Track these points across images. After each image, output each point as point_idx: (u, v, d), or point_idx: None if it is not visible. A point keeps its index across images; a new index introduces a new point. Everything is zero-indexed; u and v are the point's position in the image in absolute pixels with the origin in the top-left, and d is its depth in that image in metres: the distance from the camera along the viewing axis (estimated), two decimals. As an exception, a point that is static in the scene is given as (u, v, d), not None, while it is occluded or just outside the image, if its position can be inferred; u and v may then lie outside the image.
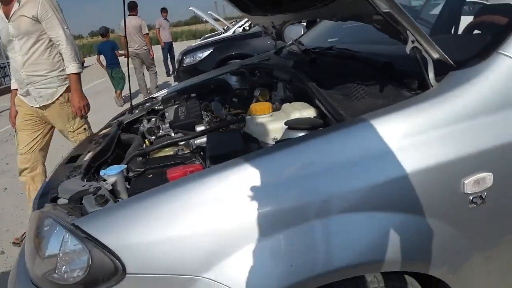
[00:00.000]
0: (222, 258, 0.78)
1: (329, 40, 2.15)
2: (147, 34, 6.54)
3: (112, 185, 1.11)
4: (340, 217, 0.81)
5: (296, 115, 1.14)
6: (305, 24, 2.63)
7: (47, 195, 1.19)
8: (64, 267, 0.84)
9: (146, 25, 6.60)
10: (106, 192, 0.99)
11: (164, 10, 9.19)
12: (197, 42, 8.85)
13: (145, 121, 1.90)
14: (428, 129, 0.88)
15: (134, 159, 1.25)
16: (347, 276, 0.83)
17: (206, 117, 1.56)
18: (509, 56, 0.93)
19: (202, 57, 5.74)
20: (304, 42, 2.04)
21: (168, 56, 9.32)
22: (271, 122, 1.15)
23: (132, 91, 7.40)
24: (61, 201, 1.11)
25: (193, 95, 1.98)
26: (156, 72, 6.93)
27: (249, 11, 2.11)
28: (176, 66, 6.42)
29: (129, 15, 6.42)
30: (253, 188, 0.80)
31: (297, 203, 0.81)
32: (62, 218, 0.92)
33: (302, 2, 1.33)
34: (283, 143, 0.94)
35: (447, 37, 1.63)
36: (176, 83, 6.45)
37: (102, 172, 1.15)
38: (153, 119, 1.90)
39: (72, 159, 1.49)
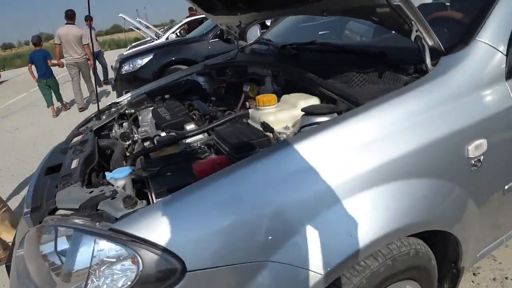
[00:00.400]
0: (287, 239, 0.79)
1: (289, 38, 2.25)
2: (88, 44, 6.39)
3: (122, 188, 1.07)
4: (385, 186, 0.89)
5: (301, 104, 1.20)
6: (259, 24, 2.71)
7: (38, 208, 1.10)
8: (102, 278, 0.78)
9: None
10: (120, 191, 0.95)
11: (88, 18, 8.59)
12: (128, 50, 8.49)
13: (116, 126, 1.83)
14: (434, 106, 1.01)
15: (136, 159, 1.21)
16: (401, 236, 0.91)
17: (193, 115, 1.55)
18: (485, 42, 1.10)
19: (142, 64, 5.56)
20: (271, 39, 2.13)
21: (98, 66, 8.77)
22: (279, 112, 1.20)
23: (67, 100, 7.09)
24: (62, 212, 1.04)
25: (167, 96, 1.95)
26: (93, 81, 6.61)
27: (214, 11, 2.14)
28: (113, 74, 6.13)
29: (66, 24, 6.33)
30: (312, 164, 0.84)
31: (355, 174, 0.87)
32: (88, 226, 0.86)
33: None
34: (322, 125, 0.99)
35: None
36: (115, 91, 6.27)
37: (108, 176, 1.10)
38: (124, 124, 1.84)
39: (50, 169, 1.39)
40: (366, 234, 0.85)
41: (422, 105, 1.02)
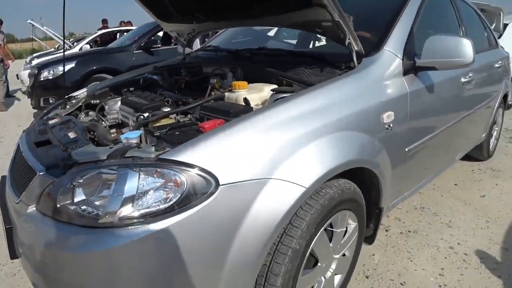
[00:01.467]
0: (283, 162, 1.14)
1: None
2: (5, 45, 6.98)
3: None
4: (335, 134, 1.32)
5: (266, 88, 1.59)
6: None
7: (57, 166, 1.25)
8: (150, 199, 1.01)
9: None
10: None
11: None
12: (30, 60, 8.00)
13: (82, 115, 2.00)
14: (359, 88, 1.49)
15: (139, 127, 1.45)
16: (341, 170, 1.31)
17: (166, 102, 1.81)
18: (389, 50, 1.64)
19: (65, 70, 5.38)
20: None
21: None
22: (250, 94, 1.56)
23: None
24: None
25: (131, 89, 2.16)
26: (4, 82, 6.97)
27: (168, 19, 2.42)
28: (29, 81, 5.77)
29: None
30: (297, 116, 1.26)
31: (314, 126, 1.28)
32: (134, 161, 1.09)
33: (254, 11, 1.78)
34: (291, 95, 1.37)
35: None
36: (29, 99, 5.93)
37: (122, 137, 1.33)
38: (90, 113, 2.01)
39: (41, 143, 1.52)
40: (328, 162, 1.25)
41: (351, 87, 1.48)
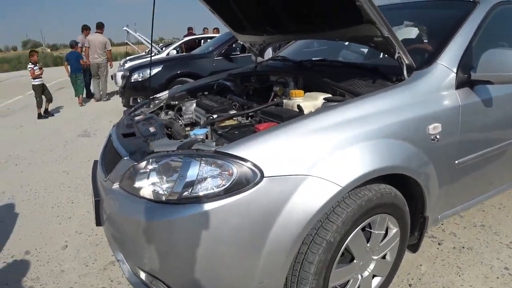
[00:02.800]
0: (323, 162, 1.31)
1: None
2: (110, 50, 8.51)
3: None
4: (377, 140, 1.44)
5: (320, 97, 1.75)
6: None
7: (134, 153, 1.58)
8: (207, 185, 1.24)
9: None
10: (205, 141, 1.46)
11: (85, 28, 8.79)
12: (123, 63, 9.01)
13: (162, 114, 2.36)
14: (405, 98, 1.58)
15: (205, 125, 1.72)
16: (380, 174, 1.42)
17: (234, 106, 2.07)
18: (441, 64, 1.70)
19: (152, 74, 6.04)
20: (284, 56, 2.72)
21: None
22: (305, 101, 1.74)
23: (62, 103, 7.76)
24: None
25: (206, 93, 2.48)
26: (106, 81, 8.58)
27: (242, 31, 2.71)
28: (122, 82, 6.58)
29: (95, 32, 8.41)
30: (341, 122, 1.41)
31: (357, 132, 1.42)
32: (197, 152, 1.34)
33: (315, 26, 1.96)
34: (342, 102, 1.53)
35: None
36: (121, 98, 6.79)
37: (191, 133, 1.61)
38: (170, 112, 2.36)
39: (128, 135, 1.88)
40: (367, 165, 1.38)
41: (398, 97, 1.58)
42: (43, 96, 7.16)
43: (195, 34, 11.18)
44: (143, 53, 11.32)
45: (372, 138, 1.44)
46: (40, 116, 7.02)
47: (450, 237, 2.39)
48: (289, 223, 1.27)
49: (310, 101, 1.73)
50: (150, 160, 1.42)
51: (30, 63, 7.03)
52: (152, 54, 9.29)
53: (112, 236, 1.54)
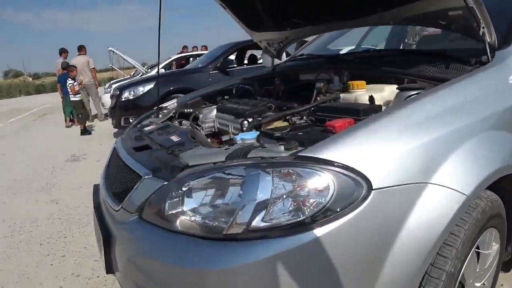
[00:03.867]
0: (435, 165, 0.96)
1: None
2: (94, 68, 8.24)
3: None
4: (482, 135, 1.11)
5: (387, 88, 1.43)
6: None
7: (159, 170, 1.18)
8: (288, 206, 0.85)
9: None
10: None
11: (63, 51, 8.52)
12: (109, 85, 8.75)
13: (176, 123, 1.97)
14: (500, 83, 1.28)
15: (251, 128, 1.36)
16: (498, 177, 1.09)
17: (269, 108, 1.72)
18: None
19: (144, 91, 5.67)
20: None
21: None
22: (369, 94, 1.41)
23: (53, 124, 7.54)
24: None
25: (226, 97, 2.12)
26: (100, 99, 8.29)
27: (259, 28, 2.39)
28: (111, 102, 6.18)
29: (78, 55, 8.21)
30: (436, 114, 1.06)
31: (458, 125, 1.08)
32: (266, 161, 0.94)
33: (356, 11, 1.65)
34: (428, 92, 1.19)
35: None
36: (110, 119, 6.40)
37: (237, 138, 1.23)
38: (184, 121, 1.98)
39: (137, 149, 1.48)
40: (485, 166, 1.05)
41: (490, 82, 1.27)
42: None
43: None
44: (129, 76, 10.93)
45: (476, 133, 1.11)
46: (83, 132, 6.92)
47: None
48: (408, 250, 0.92)
49: (376, 93, 1.40)
50: (186, 177, 1.03)
51: (69, 79, 6.97)
52: (140, 74, 9.07)
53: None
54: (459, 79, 1.24)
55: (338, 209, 0.85)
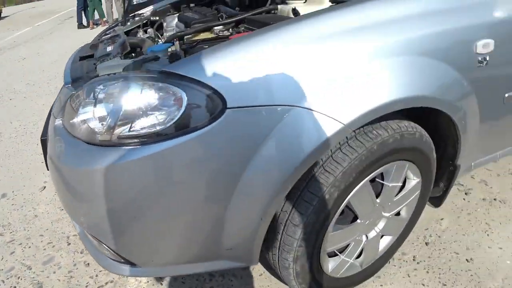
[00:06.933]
0: (314, 89, 0.91)
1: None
2: None
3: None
4: (391, 59, 1.00)
5: (326, 1, 1.29)
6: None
7: (79, 80, 1.21)
8: (149, 117, 0.88)
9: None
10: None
11: None
12: None
13: (140, 32, 1.94)
14: (453, 1, 1.09)
15: (173, 40, 1.31)
16: (400, 108, 1.02)
17: (220, 18, 1.63)
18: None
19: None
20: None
21: (83, 5, 8.45)
22: (307, 6, 1.30)
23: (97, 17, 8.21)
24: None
25: (192, 5, 2.03)
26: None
27: None
28: (118, 7, 6.07)
29: None
30: (349, 28, 0.96)
31: (364, 47, 0.98)
32: (137, 74, 0.96)
33: None
34: (341, 4, 1.07)
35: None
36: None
37: (149, 49, 1.21)
38: (149, 30, 1.94)
39: (85, 57, 1.50)
40: (383, 94, 0.97)
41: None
42: None
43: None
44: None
45: (392, 55, 1.00)
46: None
47: (480, 186, 2.01)
48: (264, 174, 0.92)
49: (314, 5, 1.28)
50: (86, 87, 1.05)
51: None
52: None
53: (54, 182, 1.22)
54: None
55: (190, 124, 0.87)
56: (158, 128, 0.88)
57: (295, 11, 1.23)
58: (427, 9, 1.06)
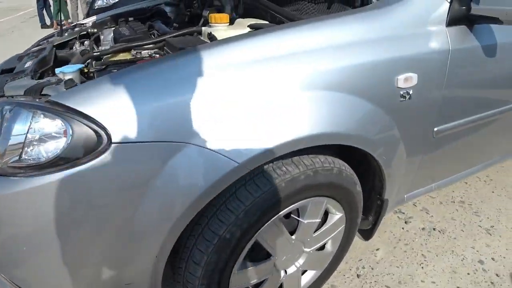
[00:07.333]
0: (207, 126, 0.84)
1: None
2: None
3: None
4: (307, 93, 0.93)
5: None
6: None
7: None
8: (35, 148, 0.82)
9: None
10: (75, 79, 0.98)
11: None
12: None
13: (77, 44, 1.81)
14: (365, 32, 1.04)
15: (89, 61, 1.20)
16: (314, 144, 0.95)
17: (152, 35, 1.54)
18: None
19: (116, 0, 5.31)
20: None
21: (44, 5, 8.33)
22: (229, 30, 1.21)
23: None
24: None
25: (131, 19, 1.91)
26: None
27: None
28: (84, 9, 5.88)
29: None
30: (243, 62, 0.88)
31: (274, 78, 0.90)
32: (28, 100, 0.89)
33: None
34: (253, 32, 1.01)
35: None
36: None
37: (57, 70, 1.10)
38: (86, 42, 1.81)
39: (4, 71, 1.38)
40: (281, 136, 0.89)
41: (358, 29, 1.04)
42: None
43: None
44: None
45: (300, 88, 0.93)
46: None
47: (421, 214, 1.99)
48: (154, 214, 0.85)
49: (236, 30, 1.21)
50: None
51: None
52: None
53: None
54: (314, 20, 1.03)
55: (73, 158, 0.80)
56: (41, 160, 0.81)
57: (210, 36, 1.16)
58: (343, 40, 1.00)
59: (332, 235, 1.25)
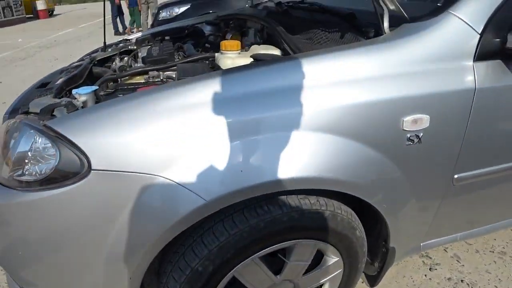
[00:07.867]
0: (179, 161, 0.85)
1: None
2: None
3: (82, 103, 1.15)
4: (291, 134, 0.89)
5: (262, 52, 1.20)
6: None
7: (17, 111, 1.21)
8: (33, 166, 0.89)
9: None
10: (78, 104, 1.04)
11: None
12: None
13: (117, 59, 1.91)
14: (375, 68, 0.97)
15: (106, 83, 1.27)
16: (293, 188, 0.91)
17: (178, 56, 1.58)
18: (456, 16, 1.03)
19: (179, 12, 5.61)
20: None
21: (118, 14, 9.27)
22: (239, 58, 1.20)
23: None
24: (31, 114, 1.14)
25: (167, 37, 1.99)
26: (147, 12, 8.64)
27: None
28: (151, 20, 6.29)
29: None
30: (218, 100, 0.87)
31: (253, 117, 0.88)
32: (34, 122, 0.97)
33: None
34: (244, 66, 1.00)
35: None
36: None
37: (74, 91, 1.17)
38: (125, 58, 1.91)
39: (43, 85, 1.49)
40: (259, 175, 0.86)
41: (361, 63, 0.97)
42: None
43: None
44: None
45: (302, 128, 0.89)
46: None
47: (451, 262, 1.80)
48: (126, 242, 0.88)
49: (246, 59, 1.19)
50: (8, 124, 1.07)
51: None
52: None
53: None
54: (314, 52, 0.99)
55: (57, 180, 0.87)
56: (36, 177, 0.89)
57: (213, 65, 1.16)
58: (337, 78, 0.94)
59: (328, 277, 1.17)
